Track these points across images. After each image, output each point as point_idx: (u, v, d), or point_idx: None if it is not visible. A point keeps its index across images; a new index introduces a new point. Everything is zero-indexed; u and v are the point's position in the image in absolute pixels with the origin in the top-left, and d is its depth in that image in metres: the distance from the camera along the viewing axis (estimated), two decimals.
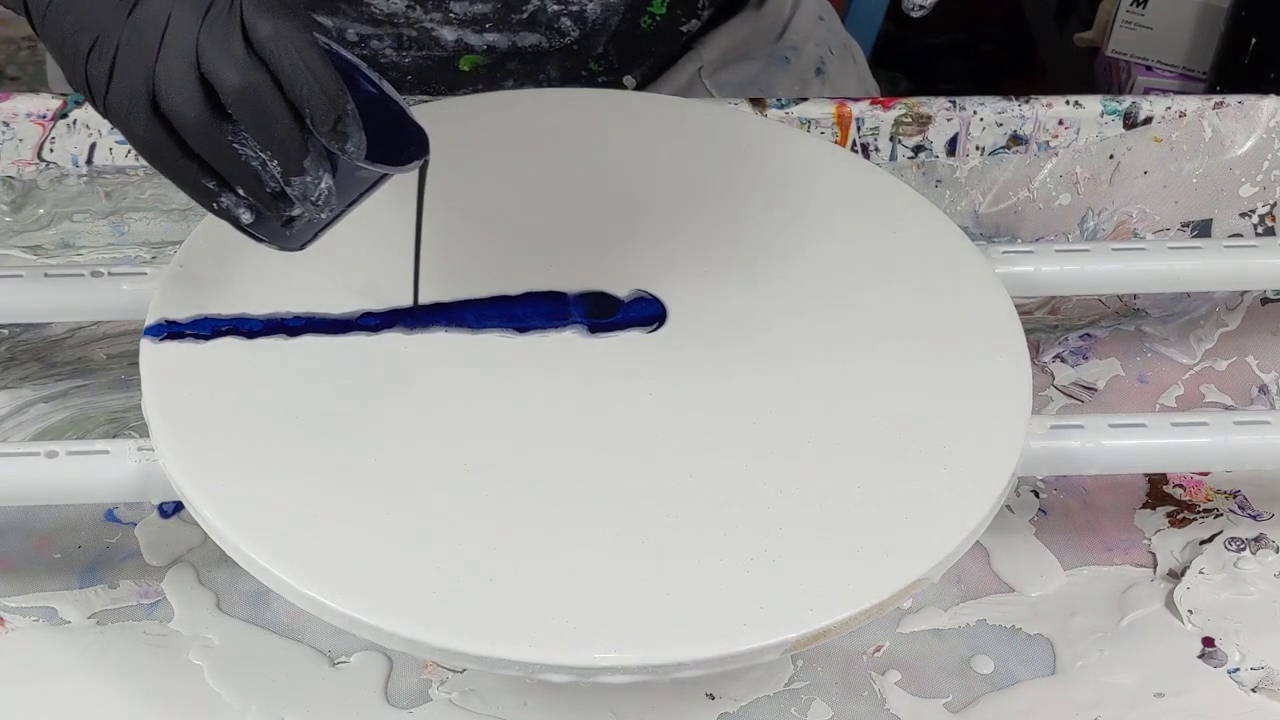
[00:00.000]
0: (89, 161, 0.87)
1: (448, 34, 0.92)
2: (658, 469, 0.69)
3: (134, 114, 0.61)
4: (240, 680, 0.70)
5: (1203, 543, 0.79)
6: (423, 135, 0.67)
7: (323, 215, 0.64)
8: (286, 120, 0.60)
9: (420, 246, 0.72)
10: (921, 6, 0.75)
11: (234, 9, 0.60)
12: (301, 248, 0.67)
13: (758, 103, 0.90)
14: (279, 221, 0.64)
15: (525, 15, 0.91)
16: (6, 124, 0.87)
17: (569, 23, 0.92)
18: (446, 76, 0.94)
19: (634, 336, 0.74)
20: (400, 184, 0.69)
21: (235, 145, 0.61)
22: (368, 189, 0.66)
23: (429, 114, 0.85)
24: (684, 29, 0.98)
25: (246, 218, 0.64)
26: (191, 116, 0.60)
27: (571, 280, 0.76)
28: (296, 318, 0.73)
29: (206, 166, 0.62)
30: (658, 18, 0.95)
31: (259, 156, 0.62)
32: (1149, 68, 1.71)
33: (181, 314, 0.72)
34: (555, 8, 0.91)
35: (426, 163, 0.67)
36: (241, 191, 0.63)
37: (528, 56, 0.94)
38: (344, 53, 0.65)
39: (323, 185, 0.62)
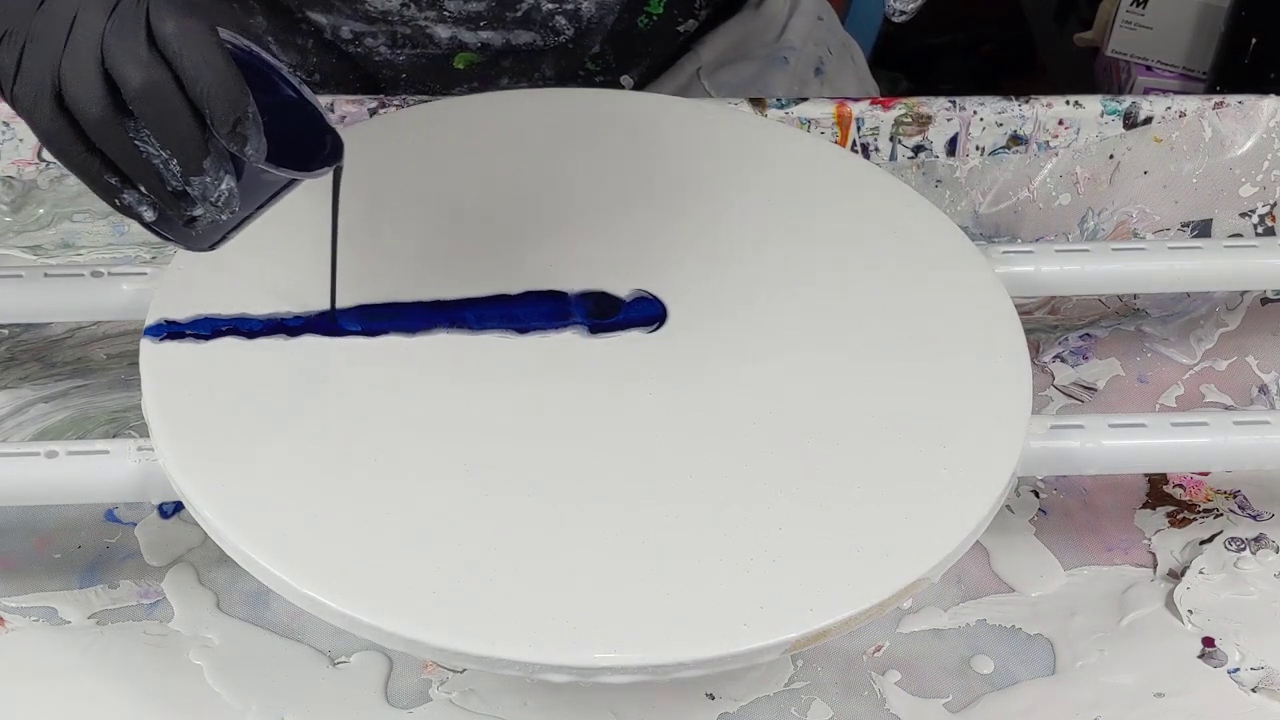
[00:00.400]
0: None
1: (442, 31, 0.92)
2: (658, 469, 0.69)
3: (39, 107, 0.61)
4: (240, 680, 0.70)
5: (1203, 543, 0.79)
6: (339, 141, 0.67)
7: (224, 216, 0.63)
8: (186, 119, 0.60)
9: (336, 253, 0.72)
10: (903, 12, 0.75)
11: (140, 7, 0.60)
12: (211, 248, 0.66)
13: (758, 103, 0.90)
14: (181, 220, 0.63)
15: (520, 13, 0.91)
16: (6, 124, 0.87)
17: (563, 21, 0.92)
18: (441, 75, 0.94)
19: (634, 336, 0.74)
20: (404, 188, 0.68)
21: (137, 142, 0.61)
22: (277, 193, 0.65)
23: (425, 113, 0.85)
24: (681, 29, 0.98)
25: (149, 215, 0.64)
26: (94, 112, 0.60)
27: (572, 280, 0.76)
28: (296, 318, 0.73)
29: (109, 162, 0.62)
30: (655, 17, 0.95)
31: (161, 155, 0.61)
32: (1149, 68, 1.71)
33: (181, 314, 0.72)
34: (549, 6, 0.91)
35: (340, 169, 0.67)
36: (143, 189, 0.63)
37: (522, 55, 0.94)
38: (264, 55, 0.65)
39: (223, 186, 0.62)
